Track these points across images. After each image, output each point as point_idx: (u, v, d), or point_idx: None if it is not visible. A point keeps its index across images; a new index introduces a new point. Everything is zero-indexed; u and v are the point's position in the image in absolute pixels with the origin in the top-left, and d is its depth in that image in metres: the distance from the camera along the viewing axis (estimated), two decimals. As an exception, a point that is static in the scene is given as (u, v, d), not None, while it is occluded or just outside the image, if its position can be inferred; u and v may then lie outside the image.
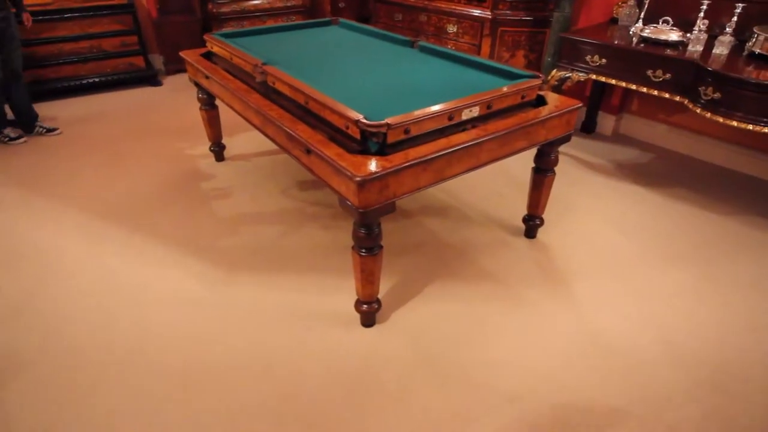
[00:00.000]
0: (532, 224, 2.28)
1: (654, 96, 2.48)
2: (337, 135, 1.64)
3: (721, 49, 2.35)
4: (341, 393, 1.58)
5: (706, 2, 2.39)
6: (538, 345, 1.75)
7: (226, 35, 2.57)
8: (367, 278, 1.71)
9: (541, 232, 2.32)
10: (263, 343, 1.76)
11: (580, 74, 2.71)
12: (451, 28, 3.58)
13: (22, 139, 3.28)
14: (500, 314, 1.88)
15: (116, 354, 1.72)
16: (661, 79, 2.41)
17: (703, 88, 2.22)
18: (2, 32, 2.95)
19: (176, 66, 4.45)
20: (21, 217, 2.48)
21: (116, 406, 1.54)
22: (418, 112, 1.56)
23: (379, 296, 1.83)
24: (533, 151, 2.00)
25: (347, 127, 1.57)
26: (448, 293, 1.98)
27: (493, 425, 1.47)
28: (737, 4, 2.31)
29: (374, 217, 1.53)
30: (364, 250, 1.63)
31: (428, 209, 2.54)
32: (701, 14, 2.42)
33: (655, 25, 2.59)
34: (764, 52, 2.23)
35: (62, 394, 1.57)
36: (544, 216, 2.26)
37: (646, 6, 2.69)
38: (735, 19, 2.33)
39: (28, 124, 3.33)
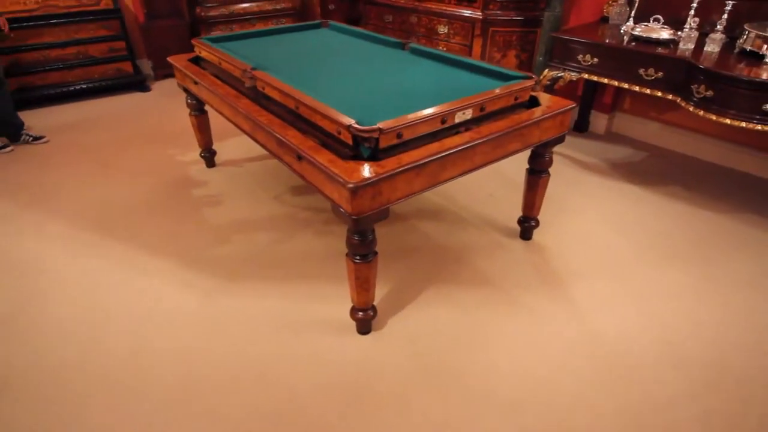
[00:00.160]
0: (527, 226, 2.26)
1: (646, 94, 2.48)
2: (328, 140, 1.62)
3: (712, 46, 2.35)
4: (338, 403, 1.55)
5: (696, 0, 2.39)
6: (536, 349, 1.73)
7: (215, 39, 2.54)
8: (362, 286, 1.68)
9: (536, 234, 2.30)
10: (257, 354, 1.73)
11: (572, 74, 2.70)
12: (442, 29, 3.56)
13: (9, 148, 3.22)
14: (498, 319, 1.86)
15: (105, 369, 1.68)
16: (653, 77, 2.40)
17: (696, 86, 2.22)
18: None
19: (165, 71, 4.40)
20: (7, 228, 2.43)
21: (106, 421, 1.50)
22: (411, 116, 1.54)
23: (375, 303, 1.81)
24: (527, 152, 1.99)
25: (339, 133, 1.55)
26: (445, 298, 1.96)
27: (492, 433, 1.45)
28: (727, 2, 2.31)
29: (368, 223, 1.51)
30: (358, 257, 1.61)
31: (422, 212, 2.51)
32: (692, 12, 2.42)
33: (645, 23, 2.59)
34: (755, 49, 2.23)
35: (50, 410, 1.53)
36: (539, 217, 2.25)
37: (636, 4, 2.68)
38: (725, 16, 2.33)
39: (13, 133, 3.27)
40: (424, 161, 1.50)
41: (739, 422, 1.48)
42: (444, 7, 3.50)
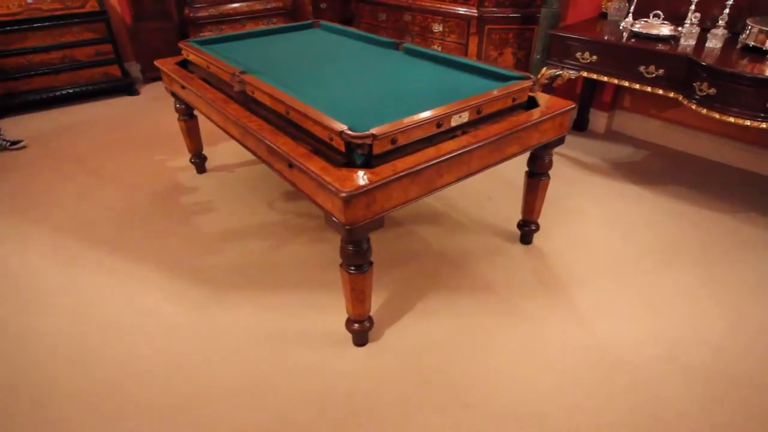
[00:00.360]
0: (527, 230, 2.20)
1: (647, 92, 2.42)
2: (320, 147, 1.55)
3: (714, 42, 2.29)
4: (333, 417, 1.49)
5: (697, -6, 2.33)
6: (538, 360, 1.67)
7: (203, 42, 2.46)
8: (358, 297, 1.62)
9: (537, 238, 2.24)
10: (250, 367, 1.66)
11: (571, 72, 2.64)
12: (437, 27, 3.49)
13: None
14: (498, 328, 1.80)
15: (92, 385, 1.60)
16: (654, 75, 2.34)
17: (698, 83, 2.16)
18: None
19: (154, 74, 4.31)
20: (-10, 240, 2.35)
21: (91, 447, 1.43)
22: (405, 121, 1.48)
23: (371, 313, 1.74)
24: (527, 154, 1.92)
25: (331, 139, 1.48)
26: (443, 307, 1.89)
27: (496, 451, 1.39)
28: (729, -4, 2.25)
29: (362, 233, 1.45)
30: (353, 268, 1.54)
31: (419, 217, 2.45)
32: (692, 7, 2.36)
33: (645, 19, 2.52)
34: (758, 45, 2.17)
35: (34, 426, 1.46)
36: (539, 220, 2.18)
37: (635, 0, 2.62)
38: (727, 11, 2.27)
39: None
40: (419, 167, 1.44)
41: (751, 435, 1.42)
42: (438, 5, 3.42)
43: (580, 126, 3.33)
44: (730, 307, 1.87)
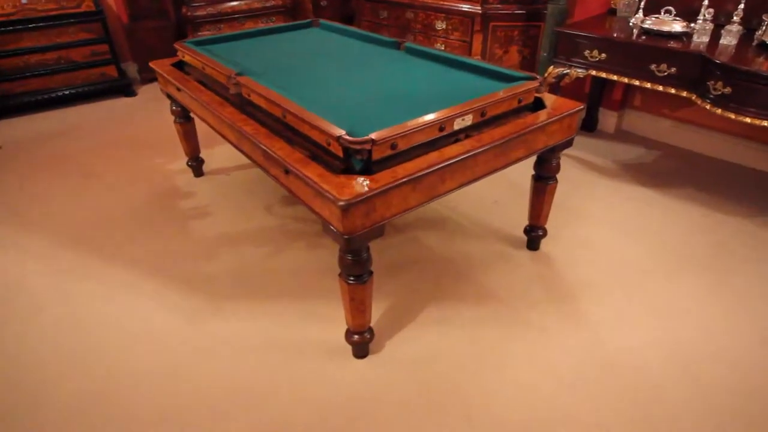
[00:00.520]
0: (534, 235, 2.11)
1: (658, 91, 2.33)
2: (318, 152, 1.48)
3: (728, 39, 2.20)
4: (333, 430, 1.42)
5: (710, -11, 2.24)
6: (545, 370, 1.59)
7: (199, 42, 2.39)
8: (357, 308, 1.55)
9: (544, 243, 2.16)
10: (246, 380, 1.59)
11: (579, 70, 2.55)
12: (440, 25, 3.41)
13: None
14: (504, 338, 1.72)
15: (85, 397, 1.54)
16: (665, 73, 2.25)
17: (712, 82, 2.07)
18: None
19: (151, 74, 4.21)
20: (-18, 247, 2.30)
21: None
22: (406, 125, 1.40)
23: (372, 324, 1.67)
24: (533, 158, 1.84)
25: (328, 144, 1.41)
26: (447, 317, 1.82)
27: (503, 474, 1.32)
28: (744, -10, 2.16)
29: (361, 242, 1.38)
30: (352, 278, 1.47)
31: (422, 222, 2.37)
32: (705, 2, 2.26)
33: (656, 15, 2.43)
34: (776, 41, 2.08)
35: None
36: (546, 225, 2.10)
37: (645, -5, 2.53)
38: (742, 6, 2.17)
39: None
40: (421, 174, 1.37)
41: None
42: (441, 2, 3.34)
43: (589, 126, 3.23)
44: (744, 315, 1.78)
